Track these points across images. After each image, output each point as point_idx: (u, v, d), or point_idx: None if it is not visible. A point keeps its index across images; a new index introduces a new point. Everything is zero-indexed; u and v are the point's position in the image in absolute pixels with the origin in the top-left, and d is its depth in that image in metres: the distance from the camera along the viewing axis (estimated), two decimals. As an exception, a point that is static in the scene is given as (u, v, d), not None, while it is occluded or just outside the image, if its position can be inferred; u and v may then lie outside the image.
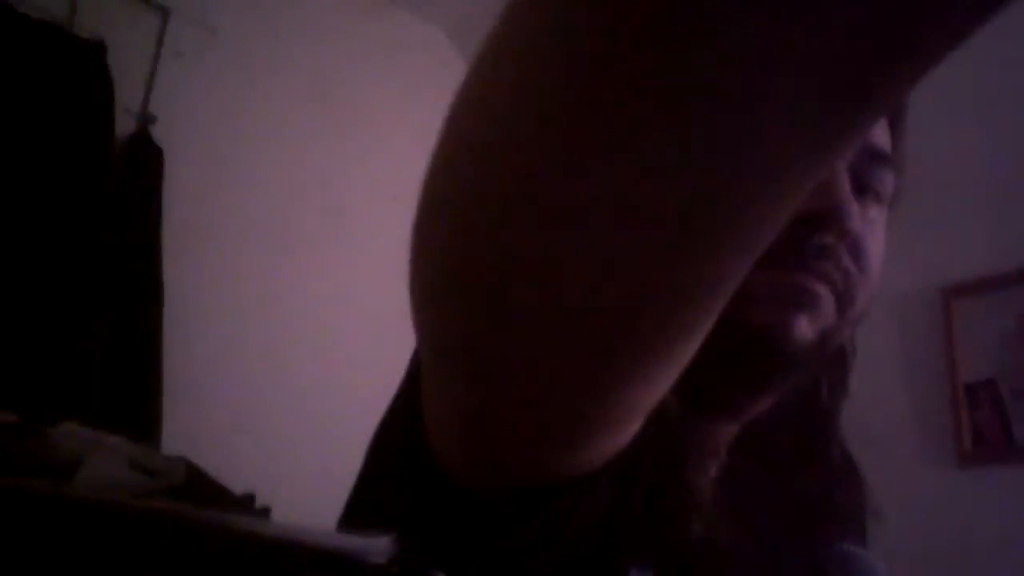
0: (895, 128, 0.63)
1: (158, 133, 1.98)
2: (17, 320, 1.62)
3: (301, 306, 2.18)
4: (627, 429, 0.43)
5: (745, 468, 0.65)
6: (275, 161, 2.23)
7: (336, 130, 2.37)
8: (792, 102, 0.25)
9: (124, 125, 1.95)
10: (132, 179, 1.90)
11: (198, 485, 0.39)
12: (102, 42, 1.91)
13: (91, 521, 0.24)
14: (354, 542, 0.32)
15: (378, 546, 0.33)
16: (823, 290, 0.56)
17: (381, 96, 2.47)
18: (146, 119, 1.97)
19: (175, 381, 1.86)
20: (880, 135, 0.61)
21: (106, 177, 1.83)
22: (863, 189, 0.59)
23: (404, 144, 2.48)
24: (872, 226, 0.60)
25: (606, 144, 0.27)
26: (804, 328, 0.55)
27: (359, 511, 0.59)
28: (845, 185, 0.56)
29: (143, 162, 1.93)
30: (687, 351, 0.36)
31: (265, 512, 0.35)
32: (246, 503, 0.35)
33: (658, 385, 0.38)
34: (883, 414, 2.07)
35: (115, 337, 1.75)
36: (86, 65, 1.85)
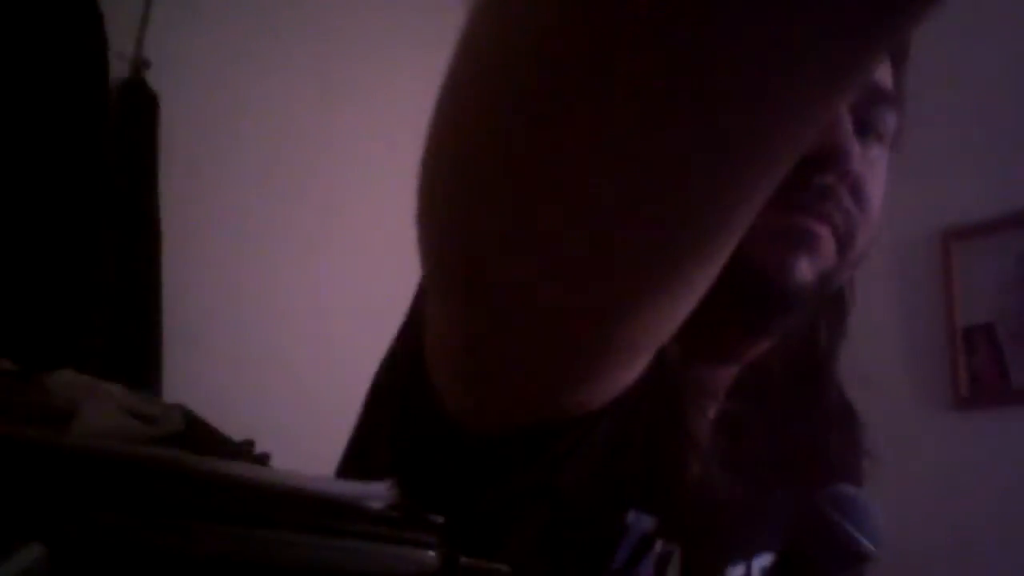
0: (897, 66, 0.62)
1: (152, 78, 1.95)
2: (14, 266, 1.61)
3: (300, 249, 2.17)
4: (629, 368, 0.43)
5: (742, 411, 0.65)
6: (272, 101, 2.21)
7: (335, 68, 2.34)
8: (801, 42, 0.25)
9: (118, 71, 1.92)
10: (127, 125, 1.88)
11: (197, 432, 0.39)
12: (93, -16, 1.88)
13: (87, 469, 0.24)
14: (353, 488, 0.32)
15: (377, 491, 0.33)
16: (824, 231, 0.56)
17: (380, 32, 2.43)
18: (140, 64, 1.95)
19: (174, 328, 1.86)
20: (882, 73, 0.60)
21: (101, 123, 1.81)
22: (864, 129, 0.59)
23: (403, 82, 2.45)
24: (873, 166, 0.60)
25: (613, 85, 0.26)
26: (804, 269, 0.55)
27: (358, 457, 0.60)
28: (847, 125, 0.55)
29: (138, 108, 1.91)
30: (695, 287, 0.36)
31: (264, 459, 0.35)
32: (245, 450, 0.36)
33: (664, 322, 0.38)
34: (881, 357, 2.08)
35: (114, 283, 1.75)
36: (77, 7, 1.82)
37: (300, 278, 2.16)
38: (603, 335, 0.37)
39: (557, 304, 0.35)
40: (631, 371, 0.43)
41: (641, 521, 0.57)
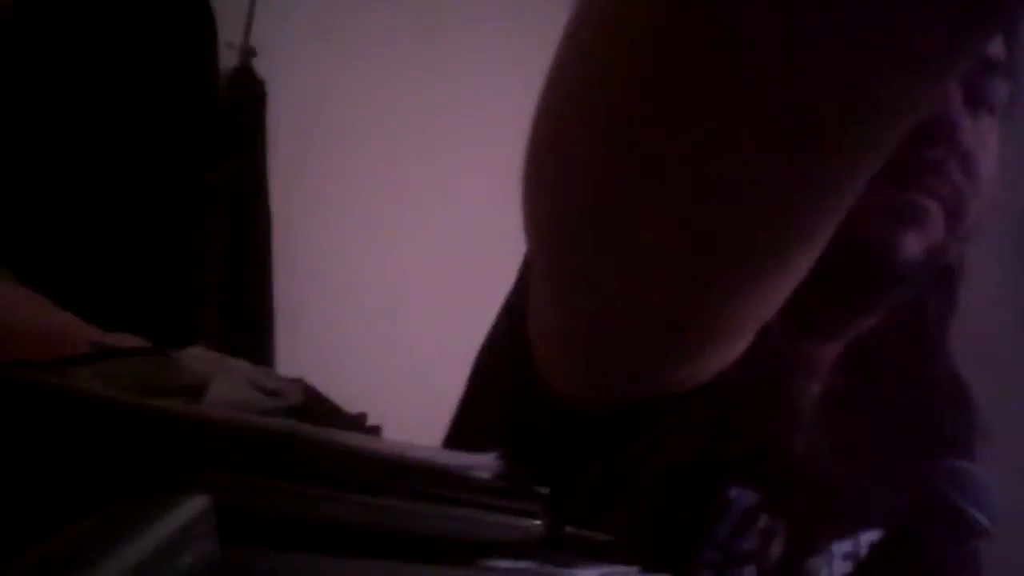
0: (1009, 35, 0.60)
1: (260, 66, 2.01)
2: (133, 250, 1.69)
3: (407, 231, 2.21)
4: (732, 346, 0.43)
5: (849, 387, 0.65)
6: (377, 85, 2.25)
7: (439, 52, 2.36)
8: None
9: (226, 60, 1.99)
10: (236, 113, 1.95)
11: (315, 405, 0.41)
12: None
13: (224, 438, 0.26)
14: (461, 458, 0.34)
15: (484, 462, 0.35)
16: (932, 206, 0.55)
17: (488, 24, 2.44)
18: (248, 52, 2.01)
19: (286, 309, 1.93)
20: (993, 43, 0.58)
21: (212, 111, 1.88)
22: (975, 100, 0.57)
23: (510, 73, 2.46)
24: (984, 139, 0.58)
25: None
26: (912, 245, 0.54)
27: (464, 430, 0.62)
28: (955, 98, 0.55)
29: (246, 96, 1.98)
30: (799, 267, 0.36)
31: (376, 430, 0.37)
32: (359, 422, 0.38)
33: (768, 302, 0.38)
34: (997, 333, 2.00)
35: (227, 265, 1.82)
36: (189, 2, 1.89)
37: (411, 256, 2.20)
38: (706, 315, 0.37)
39: (660, 285, 0.35)
40: (734, 349, 0.43)
41: (744, 496, 0.57)
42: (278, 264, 1.94)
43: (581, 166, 0.33)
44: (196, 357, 0.42)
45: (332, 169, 2.15)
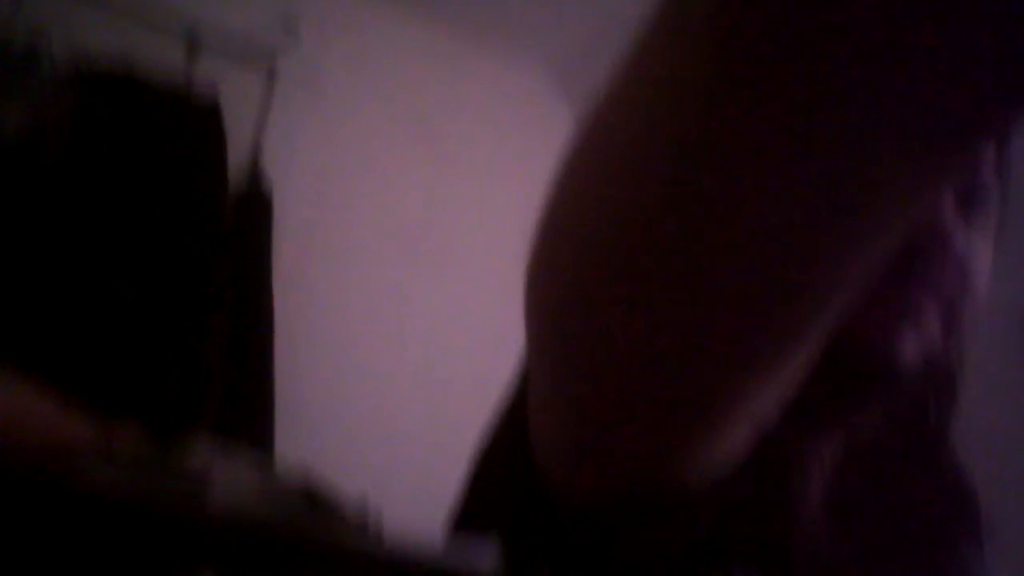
0: (999, 141, 0.62)
1: (268, 184, 2.07)
2: (143, 344, 1.71)
3: (405, 335, 2.24)
4: (734, 440, 0.42)
5: (851, 484, 0.64)
6: (379, 206, 2.31)
7: (439, 175, 2.43)
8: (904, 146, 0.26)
9: (236, 177, 2.05)
10: (244, 227, 1.99)
11: (318, 498, 0.41)
12: (216, 99, 2.02)
13: (218, 534, 0.26)
14: (461, 555, 0.34)
15: (483, 555, 0.35)
16: (928, 307, 0.55)
17: (484, 141, 2.52)
18: (257, 172, 2.07)
19: (287, 397, 1.94)
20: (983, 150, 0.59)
21: (221, 225, 1.93)
22: (966, 203, 0.58)
23: (507, 188, 2.52)
24: (977, 244, 0.59)
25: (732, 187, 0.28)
26: (909, 345, 0.54)
27: (465, 518, 0.61)
28: (947, 200, 0.55)
29: (254, 211, 2.03)
30: (800, 365, 0.36)
31: (376, 514, 0.37)
32: (360, 505, 0.38)
33: (770, 396, 0.38)
34: (1002, 428, 1.98)
35: (231, 360, 1.84)
36: (202, 123, 1.96)
37: (407, 359, 2.22)
38: (704, 410, 0.37)
39: (663, 375, 0.35)
40: (734, 445, 0.42)
41: None
42: (280, 363, 1.96)
43: (598, 249, 0.32)
44: (199, 447, 0.43)
45: (334, 279, 2.19)
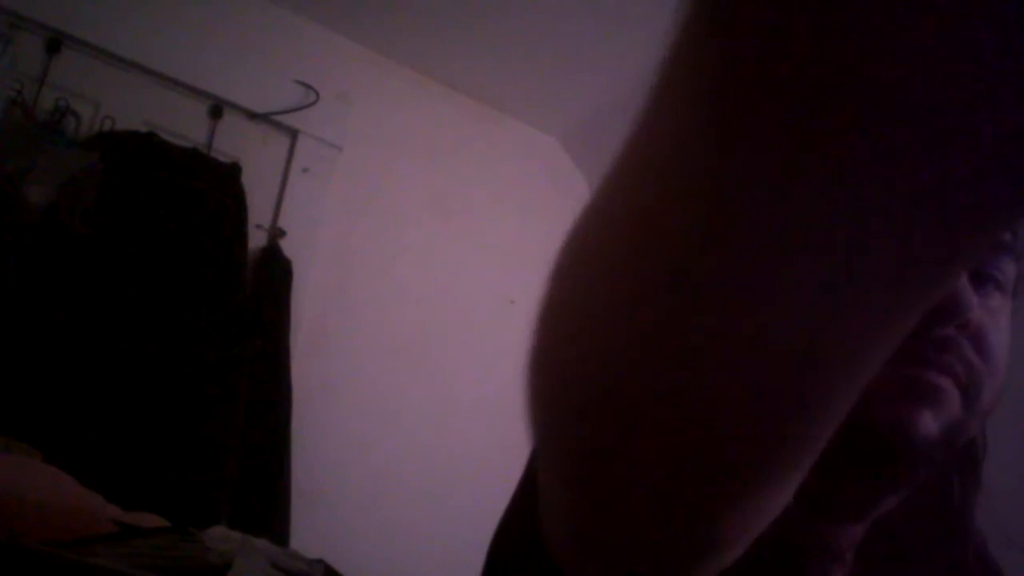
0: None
1: (287, 245, 2.09)
2: (157, 425, 1.71)
3: (424, 407, 2.22)
4: (740, 547, 0.42)
5: (873, 571, 0.63)
6: (396, 268, 2.32)
7: (454, 237, 2.45)
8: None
9: (256, 239, 2.07)
10: (264, 289, 2.01)
11: (333, 586, 0.41)
12: (237, 164, 2.05)
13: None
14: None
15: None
16: (946, 383, 0.55)
17: (498, 203, 2.55)
18: (276, 233, 2.09)
19: (302, 482, 1.91)
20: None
21: (240, 288, 1.94)
22: (982, 278, 0.58)
23: (522, 249, 2.54)
24: (994, 316, 0.58)
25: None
26: (928, 424, 0.54)
27: None
28: (962, 276, 0.55)
29: (274, 273, 2.04)
30: (800, 471, 0.36)
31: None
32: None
33: (773, 506, 0.38)
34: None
35: (246, 441, 1.82)
36: (223, 186, 1.98)
37: (427, 433, 2.20)
38: (706, 524, 0.36)
39: (658, 493, 0.35)
40: (740, 549, 0.42)
41: None
42: (296, 435, 1.94)
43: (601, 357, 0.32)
44: (218, 536, 0.43)
45: (350, 346, 2.19)
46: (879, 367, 0.32)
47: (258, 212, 2.09)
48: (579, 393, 0.34)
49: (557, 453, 0.38)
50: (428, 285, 2.37)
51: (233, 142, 2.13)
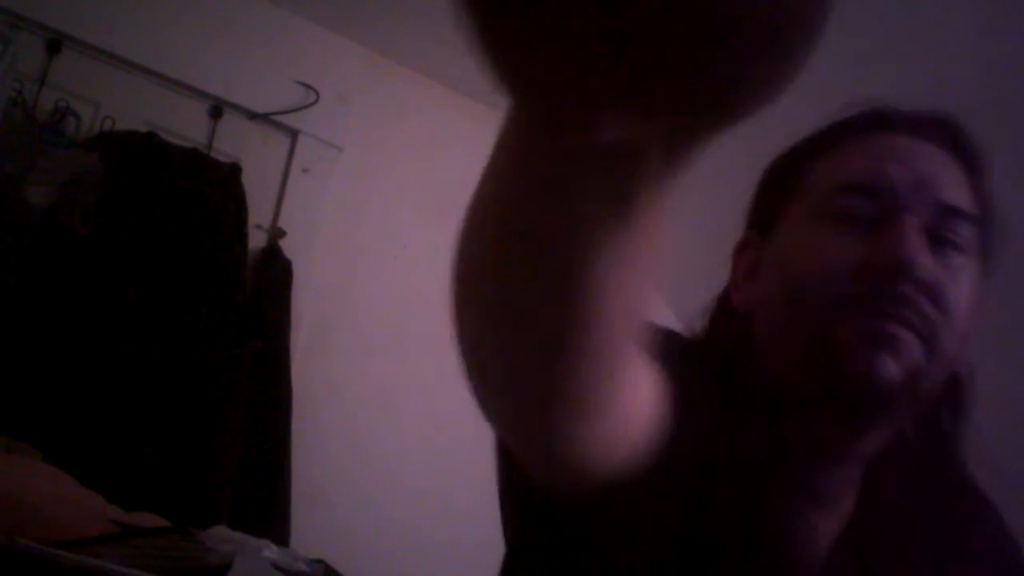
0: (975, 179, 0.70)
1: (287, 245, 2.09)
2: (157, 425, 1.71)
3: (424, 407, 2.22)
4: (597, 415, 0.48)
5: (869, 507, 0.69)
6: (397, 268, 2.32)
7: (454, 237, 2.45)
8: None
9: (257, 239, 2.07)
10: (264, 289, 2.01)
11: (333, 586, 0.41)
12: (237, 164, 2.05)
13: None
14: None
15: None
16: (904, 334, 0.62)
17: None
18: (276, 233, 2.09)
19: (302, 482, 1.91)
20: (952, 190, 0.68)
21: (240, 288, 1.94)
22: (941, 241, 0.65)
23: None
24: (955, 274, 0.65)
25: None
26: (890, 368, 0.62)
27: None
28: (914, 241, 0.63)
29: (274, 273, 2.04)
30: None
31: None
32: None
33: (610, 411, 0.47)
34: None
35: (246, 441, 1.82)
36: (223, 186, 1.98)
37: (427, 433, 2.20)
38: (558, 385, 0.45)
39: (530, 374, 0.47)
40: (603, 421, 0.48)
41: None
42: (296, 436, 1.94)
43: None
44: (219, 537, 0.43)
45: (350, 345, 2.19)
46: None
47: (258, 212, 2.09)
48: (462, 295, 0.50)
49: (466, 335, 0.51)
50: (428, 285, 2.36)
51: (233, 142, 2.13)
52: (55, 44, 1.96)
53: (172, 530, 0.40)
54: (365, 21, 2.36)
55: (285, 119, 2.21)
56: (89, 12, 2.02)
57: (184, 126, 2.09)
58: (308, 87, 2.24)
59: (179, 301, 1.82)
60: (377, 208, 2.34)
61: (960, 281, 0.65)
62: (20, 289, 1.64)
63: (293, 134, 2.24)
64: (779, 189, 0.74)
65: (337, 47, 2.38)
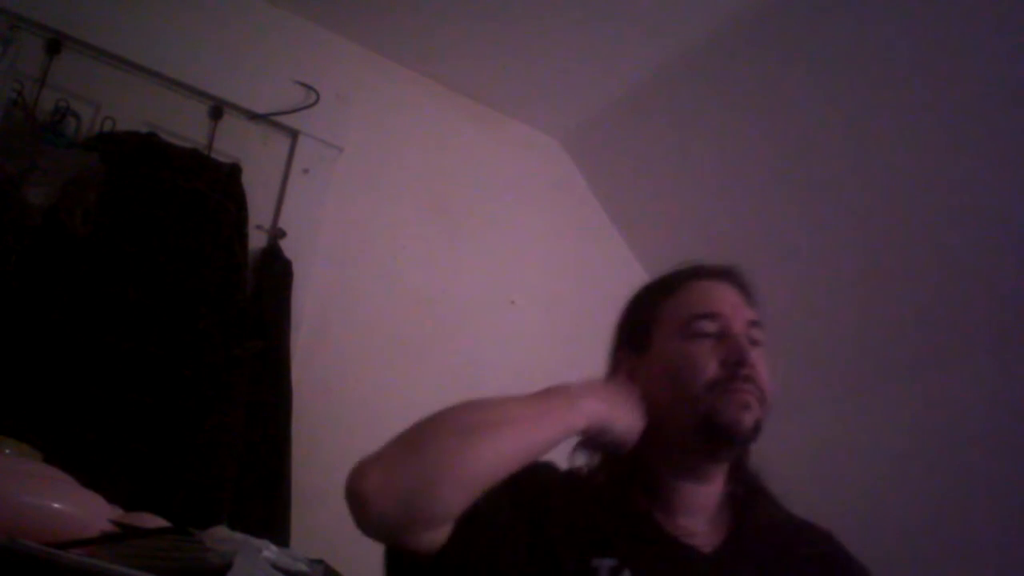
0: (753, 304, 1.12)
1: (287, 246, 2.09)
2: (157, 426, 1.71)
3: (424, 407, 2.22)
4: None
5: (747, 532, 1.07)
6: (397, 268, 2.32)
7: (454, 237, 2.45)
8: None
9: (257, 239, 2.07)
10: (264, 290, 2.01)
11: (333, 586, 0.41)
12: (238, 164, 2.05)
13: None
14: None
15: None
16: (752, 399, 1.02)
17: (498, 204, 2.55)
18: (276, 233, 2.09)
19: (302, 482, 1.91)
20: (750, 310, 1.10)
21: (241, 289, 1.94)
22: (752, 341, 1.07)
23: (522, 249, 2.54)
24: (762, 360, 1.07)
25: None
26: (748, 422, 1.02)
27: None
28: (744, 343, 1.04)
29: (274, 273, 2.04)
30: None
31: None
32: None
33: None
34: None
35: (246, 441, 1.82)
36: (224, 187, 1.98)
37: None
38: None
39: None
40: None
41: (604, 562, 0.96)
42: (296, 436, 1.94)
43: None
44: (218, 537, 0.43)
45: (350, 345, 2.19)
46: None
47: (258, 213, 2.09)
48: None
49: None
50: (428, 285, 2.37)
51: (233, 143, 2.14)
52: (55, 44, 1.96)
53: (172, 530, 0.40)
54: (365, 21, 2.36)
55: (285, 119, 2.21)
56: (89, 12, 2.02)
57: (184, 126, 2.10)
58: (308, 87, 2.25)
59: (179, 301, 1.82)
60: (377, 208, 2.34)
61: (763, 364, 1.06)
62: (20, 289, 1.65)
63: (293, 134, 2.24)
64: (645, 320, 1.13)
65: (337, 47, 2.39)
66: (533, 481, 0.99)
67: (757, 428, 1.02)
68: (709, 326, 1.06)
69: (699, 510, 1.05)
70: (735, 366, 1.02)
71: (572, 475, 1.07)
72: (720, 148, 2.41)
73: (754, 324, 1.08)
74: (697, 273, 1.14)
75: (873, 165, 2.16)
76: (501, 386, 2.39)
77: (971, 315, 2.18)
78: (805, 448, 2.55)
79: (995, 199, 2.02)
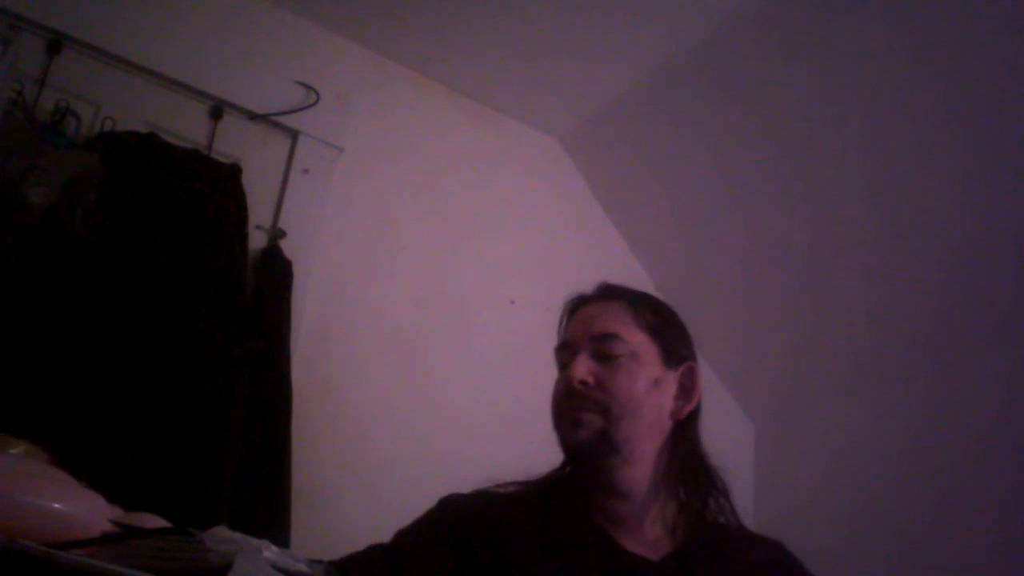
0: (635, 313, 1.19)
1: (287, 246, 2.09)
2: (158, 426, 1.71)
3: (424, 407, 2.22)
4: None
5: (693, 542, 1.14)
6: (397, 269, 2.32)
7: (454, 237, 2.45)
8: None
9: (257, 240, 2.07)
10: (264, 290, 2.00)
11: (333, 586, 0.41)
12: (238, 165, 2.05)
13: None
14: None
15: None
16: (584, 415, 1.12)
17: (498, 204, 2.55)
18: (276, 234, 2.09)
19: (302, 482, 1.91)
20: (606, 324, 1.17)
21: (241, 289, 1.94)
22: (604, 355, 1.14)
23: (522, 250, 2.54)
24: (617, 369, 1.14)
25: None
26: (582, 435, 1.11)
27: None
28: (579, 365, 1.13)
29: (274, 274, 2.04)
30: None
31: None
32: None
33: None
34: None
35: (246, 441, 1.82)
36: (224, 187, 1.98)
37: (427, 434, 2.20)
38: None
39: None
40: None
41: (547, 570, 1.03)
42: (296, 437, 1.94)
43: None
44: (219, 537, 0.43)
45: (350, 345, 2.19)
46: None
47: (258, 213, 2.09)
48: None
49: None
50: (428, 285, 2.37)
51: (233, 143, 2.14)
52: (55, 44, 1.96)
53: (172, 530, 0.40)
54: (365, 21, 2.36)
55: (285, 120, 2.21)
56: (89, 12, 2.02)
57: (184, 127, 2.10)
58: (308, 87, 2.25)
59: (179, 301, 1.81)
60: (377, 208, 2.34)
61: (617, 373, 1.13)
62: (20, 289, 1.64)
63: (293, 135, 2.24)
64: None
65: (337, 47, 2.39)
66: (449, 514, 1.17)
67: (601, 437, 1.10)
68: (563, 356, 1.18)
69: (631, 519, 1.12)
70: (568, 387, 1.13)
71: (493, 497, 1.16)
72: (720, 147, 2.41)
73: (602, 338, 1.15)
74: (580, 302, 1.24)
75: (874, 164, 2.16)
76: (501, 386, 2.41)
77: (975, 314, 2.18)
78: (805, 448, 2.56)
79: (1000, 197, 2.02)
